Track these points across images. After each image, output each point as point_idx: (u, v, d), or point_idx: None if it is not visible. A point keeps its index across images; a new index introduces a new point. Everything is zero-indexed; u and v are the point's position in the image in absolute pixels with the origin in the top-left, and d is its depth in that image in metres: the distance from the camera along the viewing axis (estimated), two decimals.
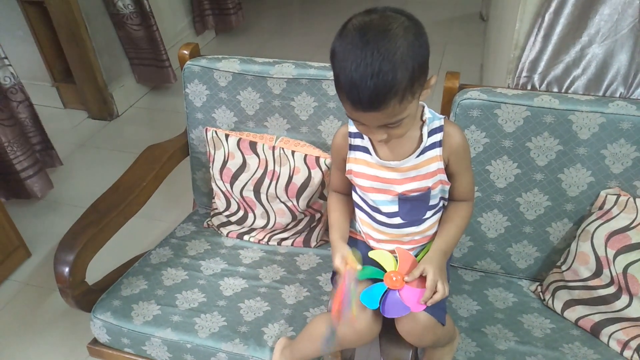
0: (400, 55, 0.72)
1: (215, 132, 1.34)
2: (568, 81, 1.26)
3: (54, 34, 2.54)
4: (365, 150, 0.93)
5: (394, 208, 0.94)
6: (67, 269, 1.11)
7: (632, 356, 1.05)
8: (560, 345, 1.09)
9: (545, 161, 1.14)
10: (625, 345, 1.06)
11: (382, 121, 0.77)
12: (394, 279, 0.89)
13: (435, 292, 0.85)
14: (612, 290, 1.09)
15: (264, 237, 1.39)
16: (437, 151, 0.90)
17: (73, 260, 1.11)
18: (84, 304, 1.18)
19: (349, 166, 0.95)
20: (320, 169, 1.28)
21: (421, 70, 0.76)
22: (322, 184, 1.29)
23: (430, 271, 0.86)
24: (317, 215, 1.36)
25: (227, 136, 1.33)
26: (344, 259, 0.91)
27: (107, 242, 1.22)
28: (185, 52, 1.40)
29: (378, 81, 0.71)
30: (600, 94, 1.26)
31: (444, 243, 0.93)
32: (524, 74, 1.28)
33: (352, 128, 0.95)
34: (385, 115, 0.75)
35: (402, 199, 0.92)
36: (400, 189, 0.91)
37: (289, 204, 1.32)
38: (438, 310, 0.91)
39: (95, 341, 1.22)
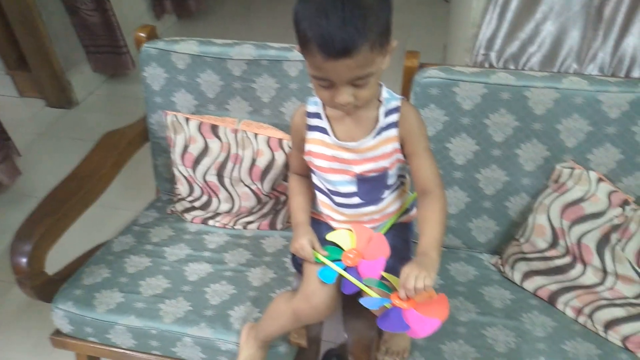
0: (369, 3, 0.74)
1: (175, 116, 1.32)
2: (524, 58, 1.29)
3: (5, 19, 2.43)
4: (323, 130, 0.93)
5: (353, 188, 0.94)
6: (24, 260, 1.09)
7: (585, 322, 1.10)
8: (520, 315, 1.12)
9: (503, 137, 1.16)
10: (579, 311, 1.10)
11: (352, 72, 0.77)
12: (351, 256, 0.90)
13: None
14: (567, 260, 1.13)
15: (229, 222, 1.38)
16: (394, 132, 0.90)
17: (30, 250, 1.09)
18: (44, 294, 1.16)
19: (307, 147, 0.95)
20: (284, 151, 1.27)
21: (387, 23, 0.78)
22: (286, 166, 1.29)
23: (404, 273, 0.78)
24: (282, 198, 1.36)
25: (187, 120, 1.31)
26: (311, 243, 0.93)
27: (66, 231, 1.19)
28: (142, 34, 1.37)
29: (350, 25, 0.72)
30: (555, 70, 1.29)
31: (422, 246, 0.83)
32: (481, 51, 1.30)
33: (310, 107, 0.94)
34: (356, 64, 0.76)
35: (360, 179, 0.93)
36: (358, 169, 0.92)
37: (253, 187, 1.31)
38: None
39: (58, 332, 1.20)
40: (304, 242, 0.93)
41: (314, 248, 0.93)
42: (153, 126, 1.42)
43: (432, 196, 0.87)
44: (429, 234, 0.84)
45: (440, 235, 0.84)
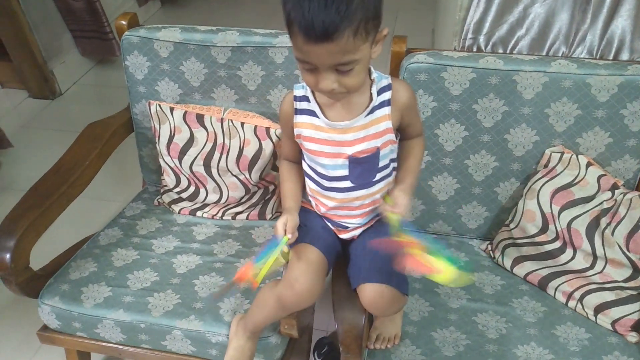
0: None
1: (159, 105, 1.29)
2: (512, 41, 1.27)
3: None
4: (312, 113, 0.91)
5: (344, 172, 0.93)
6: (8, 256, 1.06)
7: (575, 306, 1.10)
8: (510, 301, 1.12)
9: (492, 122, 1.15)
10: (569, 296, 1.11)
11: (334, 58, 0.75)
12: None
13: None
14: (557, 244, 1.13)
15: (217, 212, 1.36)
16: (386, 110, 0.90)
17: (14, 246, 1.07)
18: (30, 290, 1.14)
19: (297, 131, 0.94)
20: (271, 140, 1.25)
21: (376, 10, 0.76)
22: (274, 155, 1.27)
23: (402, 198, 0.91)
24: (271, 187, 1.34)
25: (172, 109, 1.29)
26: (284, 224, 0.91)
27: (50, 225, 1.17)
28: (123, 22, 1.33)
29: (333, 8, 0.70)
30: (544, 53, 1.28)
31: (408, 176, 0.96)
32: (470, 35, 1.28)
33: (298, 92, 0.93)
34: (339, 49, 0.74)
35: (352, 161, 0.92)
36: (351, 150, 0.91)
37: (241, 177, 1.29)
38: (402, 282, 0.94)
39: (45, 327, 1.19)
40: (277, 223, 0.91)
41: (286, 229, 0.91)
42: (137, 116, 1.39)
43: (417, 138, 1.00)
44: (413, 166, 0.98)
45: (419, 168, 1.01)
